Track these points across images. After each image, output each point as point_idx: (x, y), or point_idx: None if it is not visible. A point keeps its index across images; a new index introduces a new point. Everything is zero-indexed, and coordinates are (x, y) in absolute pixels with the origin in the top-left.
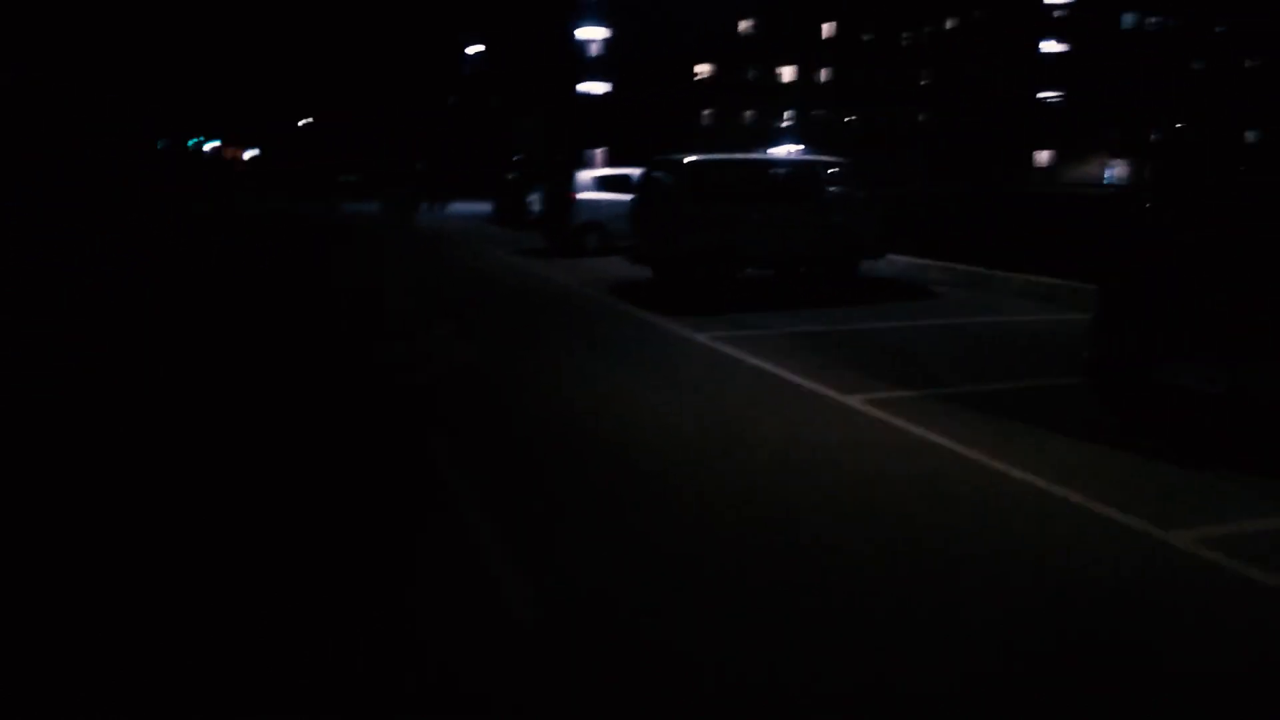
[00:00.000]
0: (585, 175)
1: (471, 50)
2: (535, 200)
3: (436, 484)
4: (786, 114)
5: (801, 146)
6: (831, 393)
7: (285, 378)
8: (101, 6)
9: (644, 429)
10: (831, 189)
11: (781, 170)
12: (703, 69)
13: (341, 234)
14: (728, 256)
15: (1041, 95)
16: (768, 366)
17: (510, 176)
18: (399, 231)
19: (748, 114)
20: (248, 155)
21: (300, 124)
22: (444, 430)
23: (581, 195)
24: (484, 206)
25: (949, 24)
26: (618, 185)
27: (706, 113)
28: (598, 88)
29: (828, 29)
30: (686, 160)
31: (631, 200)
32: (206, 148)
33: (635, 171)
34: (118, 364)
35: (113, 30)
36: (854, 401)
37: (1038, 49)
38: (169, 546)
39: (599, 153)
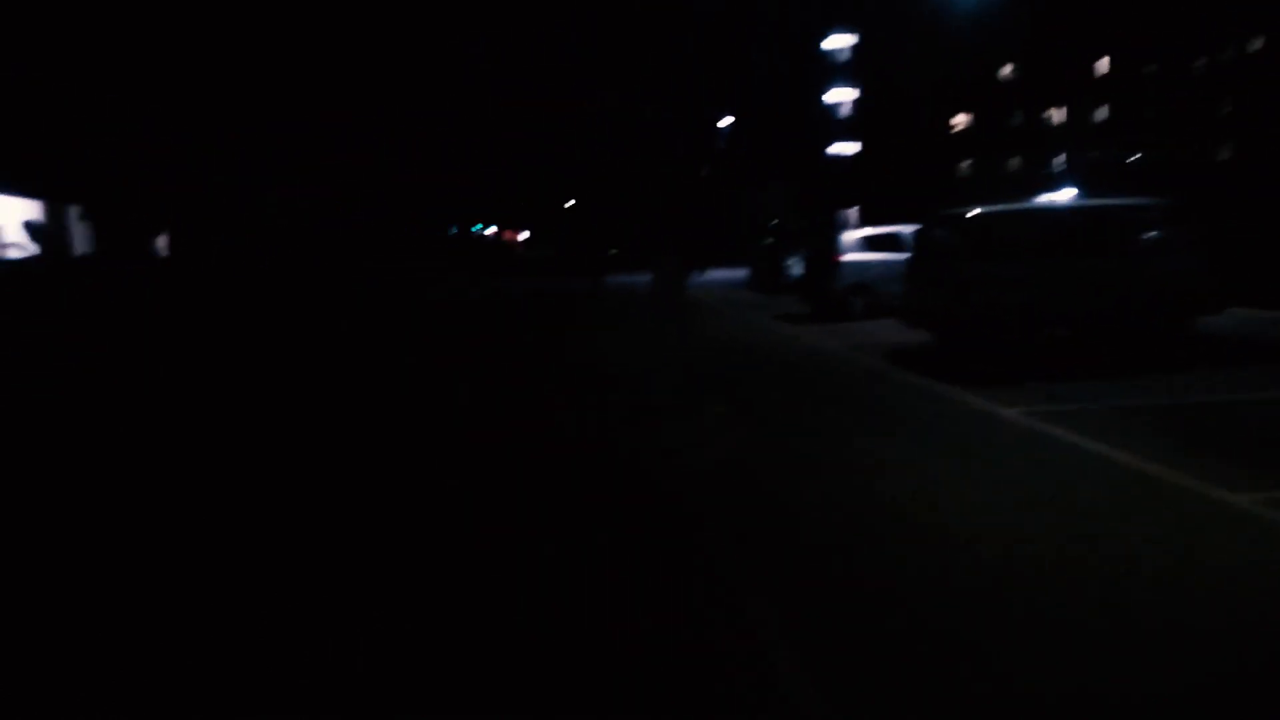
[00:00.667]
0: (850, 236)
1: (724, 123)
2: (792, 264)
3: (730, 604)
4: (1057, 159)
5: (1076, 191)
6: (1217, 491)
7: (563, 463)
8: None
9: (974, 542)
10: (1149, 234)
11: (1084, 218)
12: (960, 119)
13: (608, 307)
14: (1023, 319)
15: None
16: (1110, 452)
17: (766, 241)
18: (667, 301)
19: (1013, 162)
20: (522, 237)
21: (567, 205)
22: (728, 531)
23: (846, 256)
24: (739, 273)
25: (1254, 44)
26: (885, 245)
27: (965, 164)
28: (848, 148)
29: (1102, 65)
30: (971, 214)
31: (908, 260)
32: (488, 232)
33: (905, 229)
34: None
35: (421, 140)
36: (1252, 504)
37: None
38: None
39: (852, 213)
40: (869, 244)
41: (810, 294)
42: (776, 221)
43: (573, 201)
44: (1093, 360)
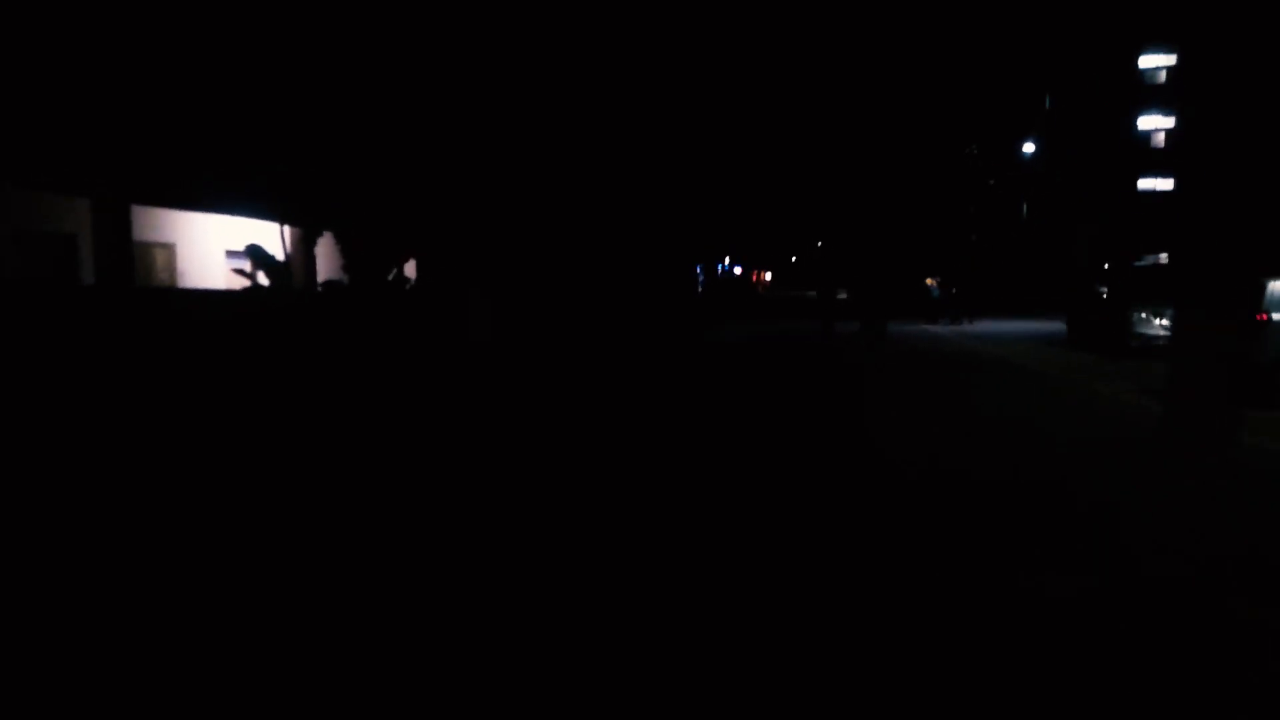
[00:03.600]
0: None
1: (1028, 149)
2: (1143, 319)
3: None
4: None
5: None
6: None
7: None
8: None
9: None
10: None
11: None
12: None
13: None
14: None
15: None
16: None
17: (1099, 288)
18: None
19: None
20: (768, 276)
21: (819, 244)
22: None
23: (1278, 315)
24: (1035, 325)
25: None
26: None
27: None
28: (1160, 183)
29: None
30: None
31: None
32: (736, 271)
33: None
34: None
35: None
36: None
37: None
38: None
39: (1162, 258)
40: None
41: None
42: (1108, 265)
43: (823, 241)
44: None
